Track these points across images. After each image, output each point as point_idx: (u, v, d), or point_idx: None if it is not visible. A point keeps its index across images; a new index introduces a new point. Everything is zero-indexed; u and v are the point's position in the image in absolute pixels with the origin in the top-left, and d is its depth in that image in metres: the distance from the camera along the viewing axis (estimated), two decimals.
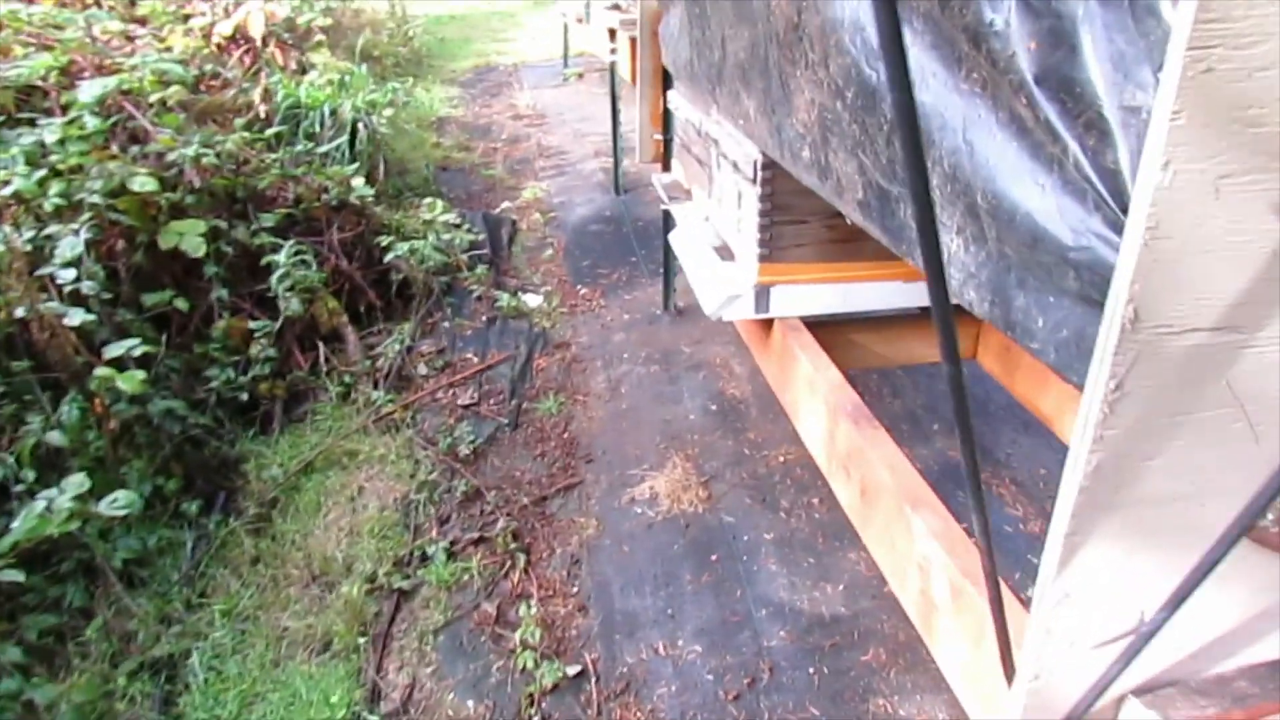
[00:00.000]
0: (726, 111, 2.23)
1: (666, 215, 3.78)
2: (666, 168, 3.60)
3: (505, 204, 5.43)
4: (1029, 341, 1.09)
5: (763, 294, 2.28)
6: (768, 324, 2.34)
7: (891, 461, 1.69)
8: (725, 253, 2.51)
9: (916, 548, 1.55)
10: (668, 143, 3.59)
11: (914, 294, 2.36)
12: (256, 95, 4.37)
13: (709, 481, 2.92)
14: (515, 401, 3.46)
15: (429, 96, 7.69)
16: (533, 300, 4.25)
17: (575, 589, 2.55)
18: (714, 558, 2.61)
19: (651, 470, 3.01)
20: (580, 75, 8.47)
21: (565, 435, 3.27)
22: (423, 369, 3.63)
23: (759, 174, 2.12)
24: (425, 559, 2.66)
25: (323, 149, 4.46)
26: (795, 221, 2.20)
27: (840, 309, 2.35)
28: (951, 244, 1.22)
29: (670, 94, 3.24)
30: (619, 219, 5.25)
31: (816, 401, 2.02)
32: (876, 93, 1.31)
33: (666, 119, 3.54)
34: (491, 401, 3.47)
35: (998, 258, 1.12)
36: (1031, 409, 2.31)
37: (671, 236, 2.84)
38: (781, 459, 2.98)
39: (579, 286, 4.44)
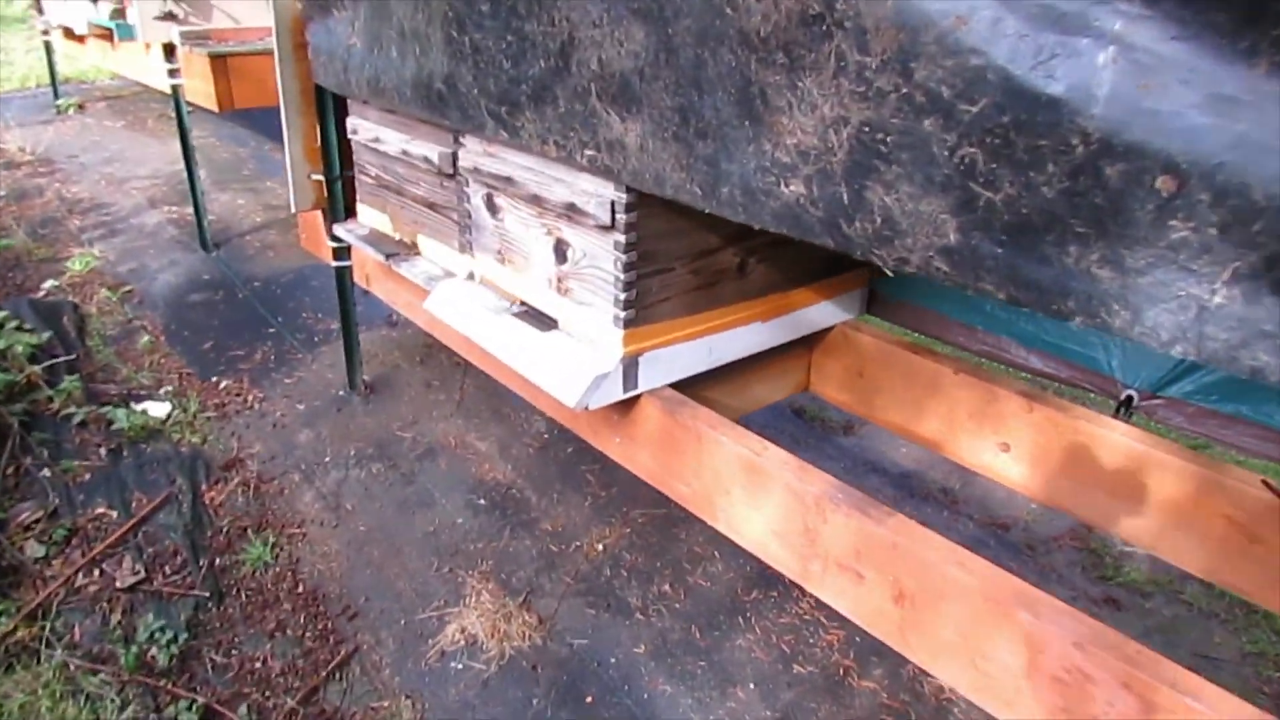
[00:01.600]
0: (535, 138, 1.70)
1: (342, 275, 3.02)
2: (331, 214, 2.84)
3: (49, 283, 3.99)
4: None
5: (630, 367, 1.81)
6: (623, 403, 1.87)
7: (956, 556, 1.37)
8: (537, 320, 1.97)
9: (1054, 658, 1.25)
10: (330, 183, 2.83)
11: (768, 333, 2.07)
12: None
13: (529, 600, 2.35)
14: (204, 562, 2.47)
15: None
16: (158, 409, 3.13)
17: None
18: (588, 699, 2.08)
19: (449, 606, 2.33)
20: (81, 106, 6.70)
21: (301, 590, 2.41)
22: (36, 548, 2.42)
23: (619, 218, 1.65)
24: None
25: None
26: (661, 270, 1.77)
27: (704, 366, 1.97)
28: (1214, 297, 0.92)
29: (355, 121, 2.52)
30: (225, 283, 4.17)
31: (767, 490, 1.62)
32: (1044, 104, 0.96)
33: (327, 154, 2.78)
34: (167, 570, 2.43)
35: None
36: (904, 434, 2.18)
37: (432, 305, 2.18)
38: (600, 546, 2.51)
39: (213, 378, 3.39)
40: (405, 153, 2.28)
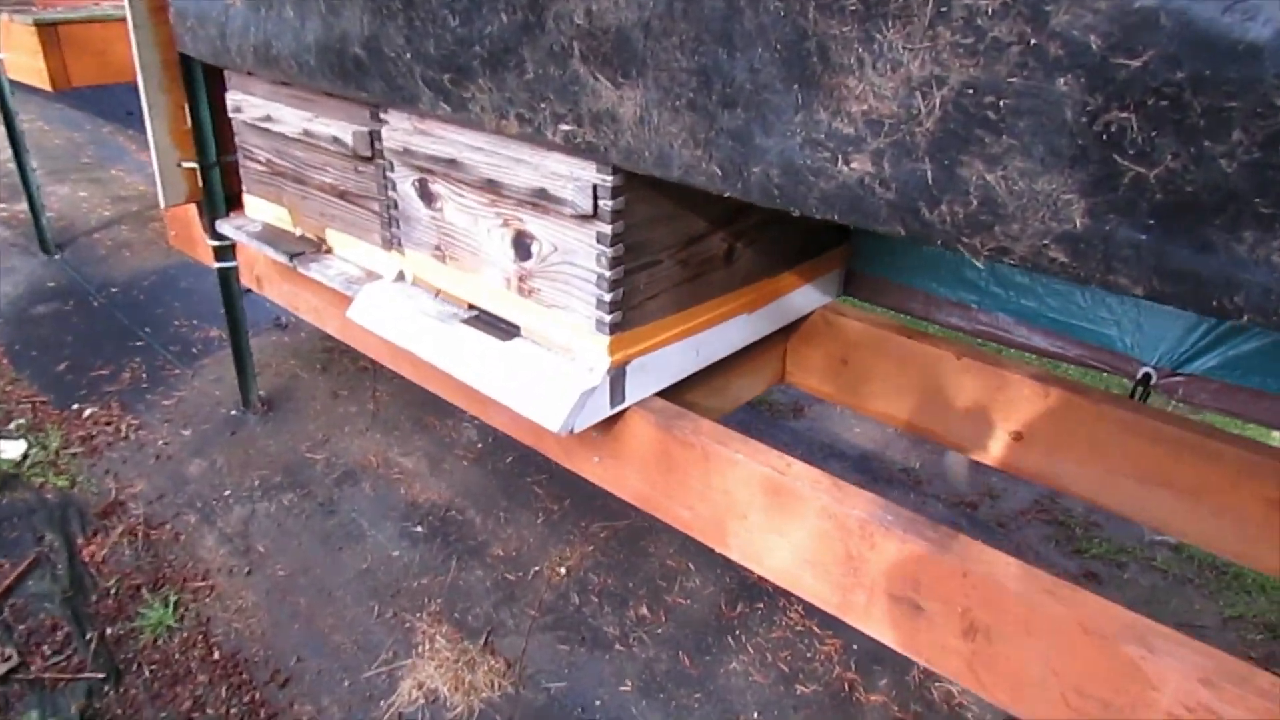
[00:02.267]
0: (490, 112, 1.43)
1: (227, 277, 2.62)
2: (209, 208, 2.44)
3: None
4: None
5: (618, 378, 1.56)
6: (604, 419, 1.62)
7: (1043, 584, 1.21)
8: (494, 327, 1.69)
9: (1173, 695, 1.11)
10: (206, 171, 2.43)
11: (754, 325, 1.87)
12: None
13: (492, 641, 2.08)
14: (91, 635, 2.08)
15: None
16: (11, 449, 2.65)
17: None
18: None
19: (399, 658, 2.04)
20: None
21: (217, 656, 2.05)
22: None
23: (604, 206, 1.39)
24: None
25: None
26: (649, 264, 1.53)
27: (693, 369, 1.75)
28: None
29: (237, 97, 2.14)
30: (75, 290, 3.63)
31: (796, 514, 1.42)
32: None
33: (200, 138, 2.38)
34: (47, 651, 2.03)
35: None
36: (899, 425, 2.01)
37: (359, 315, 1.86)
38: (563, 569, 2.26)
39: (74, 406, 2.92)
40: (307, 133, 1.93)
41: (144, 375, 3.09)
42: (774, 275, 1.87)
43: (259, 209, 2.31)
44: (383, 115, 1.73)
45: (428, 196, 1.71)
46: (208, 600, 2.19)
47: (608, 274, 1.44)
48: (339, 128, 1.84)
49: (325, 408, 2.92)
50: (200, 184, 2.45)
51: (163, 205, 2.47)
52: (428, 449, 2.73)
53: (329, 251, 2.11)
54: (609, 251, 1.42)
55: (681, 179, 1.25)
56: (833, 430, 3.11)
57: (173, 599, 2.18)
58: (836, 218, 1.11)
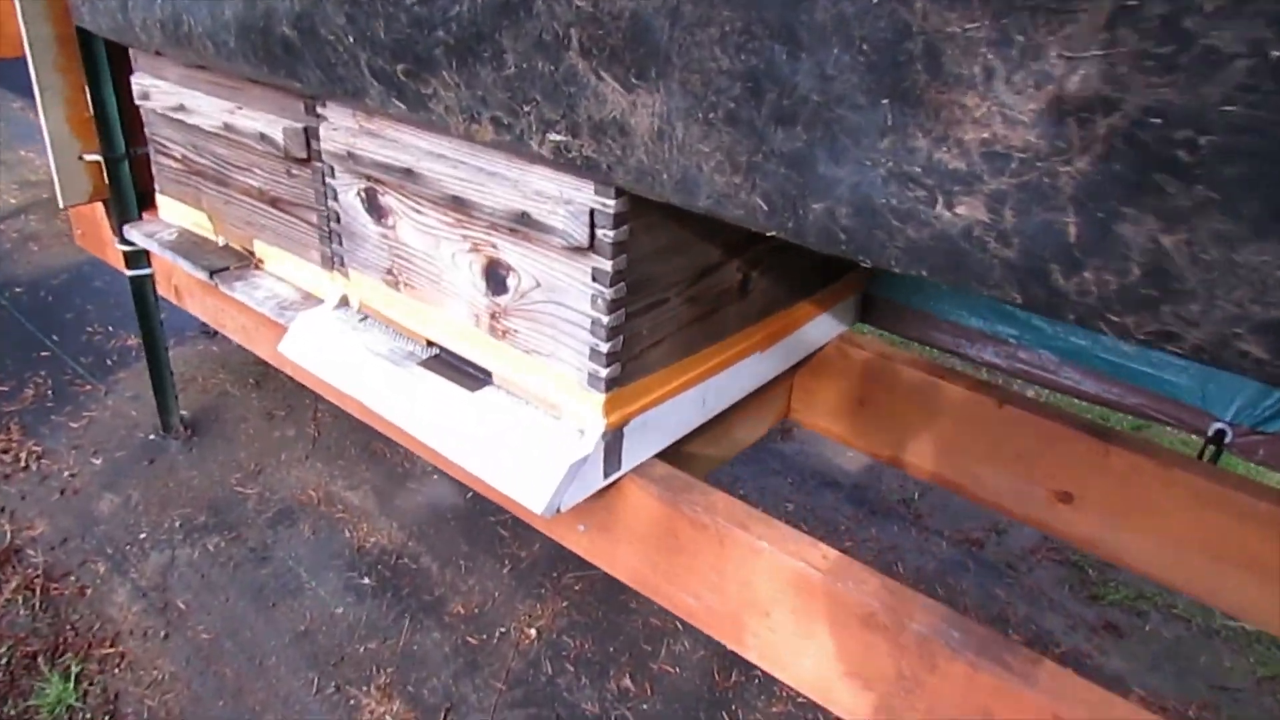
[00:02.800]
0: (456, 113, 1.14)
1: (141, 286, 2.29)
2: (118, 208, 2.10)
3: None
4: None
5: (614, 442, 1.28)
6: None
7: None
8: (458, 372, 1.41)
9: None
10: (113, 166, 2.09)
11: (767, 364, 1.61)
12: None
13: (449, 718, 1.80)
14: None
15: None
16: None
17: None
18: None
19: None
20: None
21: None
22: None
23: (603, 237, 1.12)
24: None
25: None
26: (654, 304, 1.25)
27: (698, 422, 1.48)
28: None
29: (145, 81, 1.80)
30: None
31: (835, 620, 1.17)
32: None
33: (105, 127, 2.04)
34: None
35: None
36: (922, 476, 1.77)
37: (293, 350, 1.55)
38: (533, 631, 1.99)
39: None
40: (229, 127, 1.61)
41: (50, 392, 2.72)
42: (790, 306, 1.61)
43: (175, 212, 1.98)
44: (320, 110, 1.43)
45: (377, 210, 1.41)
46: (117, 671, 1.88)
47: (605, 320, 1.16)
48: (267, 122, 1.53)
49: (259, 431, 2.59)
50: (106, 180, 2.10)
51: (61, 204, 2.12)
52: (376, 482, 2.42)
53: (258, 266, 1.79)
54: (607, 293, 1.14)
55: (710, 210, 0.97)
56: (824, 455, 2.87)
57: (75, 670, 1.86)
58: (925, 273, 0.85)
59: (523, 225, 1.17)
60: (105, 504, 2.31)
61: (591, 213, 1.10)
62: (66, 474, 2.41)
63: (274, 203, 1.67)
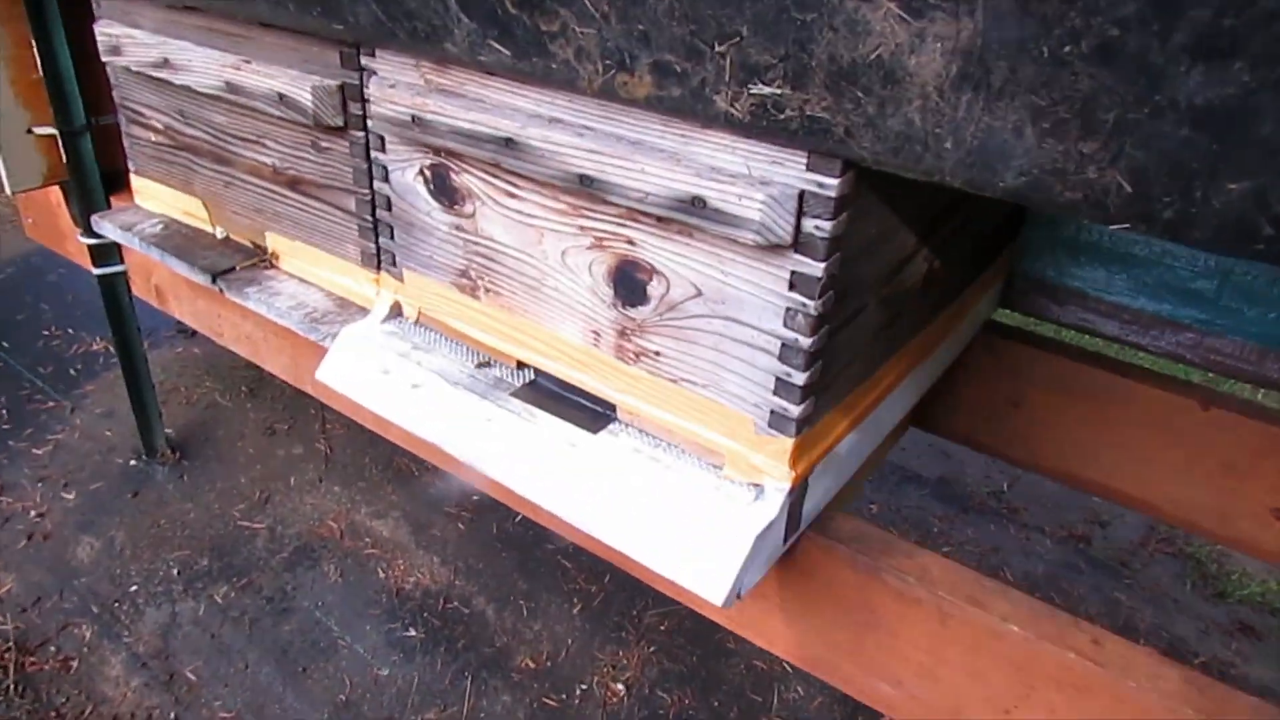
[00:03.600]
0: (603, 61, 0.83)
1: (113, 286, 1.93)
2: (81, 193, 1.74)
3: None
4: None
5: (798, 500, 0.99)
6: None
7: None
8: (567, 406, 1.10)
9: None
10: (72, 141, 1.73)
11: (933, 370, 1.32)
12: None
13: None
14: None
15: None
16: None
17: None
18: None
19: None
20: None
21: None
22: None
23: (812, 229, 0.81)
24: None
25: None
26: (855, 313, 0.96)
27: (870, 450, 1.19)
28: None
29: (113, 31, 1.44)
30: None
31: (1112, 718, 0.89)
32: None
33: (60, 91, 1.67)
34: None
35: None
36: (1097, 491, 1.50)
37: (336, 378, 1.23)
38: (620, 685, 1.70)
39: None
40: (232, 87, 1.27)
41: (3, 412, 2.36)
42: (959, 297, 1.31)
43: (156, 197, 1.63)
44: (366, 60, 1.10)
45: (448, 195, 1.09)
46: None
47: (804, 342, 0.86)
48: (288, 80, 1.19)
49: (260, 451, 2.25)
50: (63, 159, 1.74)
51: (8, 189, 1.75)
52: (406, 506, 2.11)
53: (273, 265, 1.45)
54: (812, 305, 0.84)
55: (1017, 193, 0.68)
56: (895, 448, 2.60)
57: None
58: None
59: (682, 215, 0.86)
60: (84, 549, 1.98)
61: (801, 197, 0.79)
62: (33, 514, 2.06)
63: (294, 185, 1.33)
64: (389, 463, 2.24)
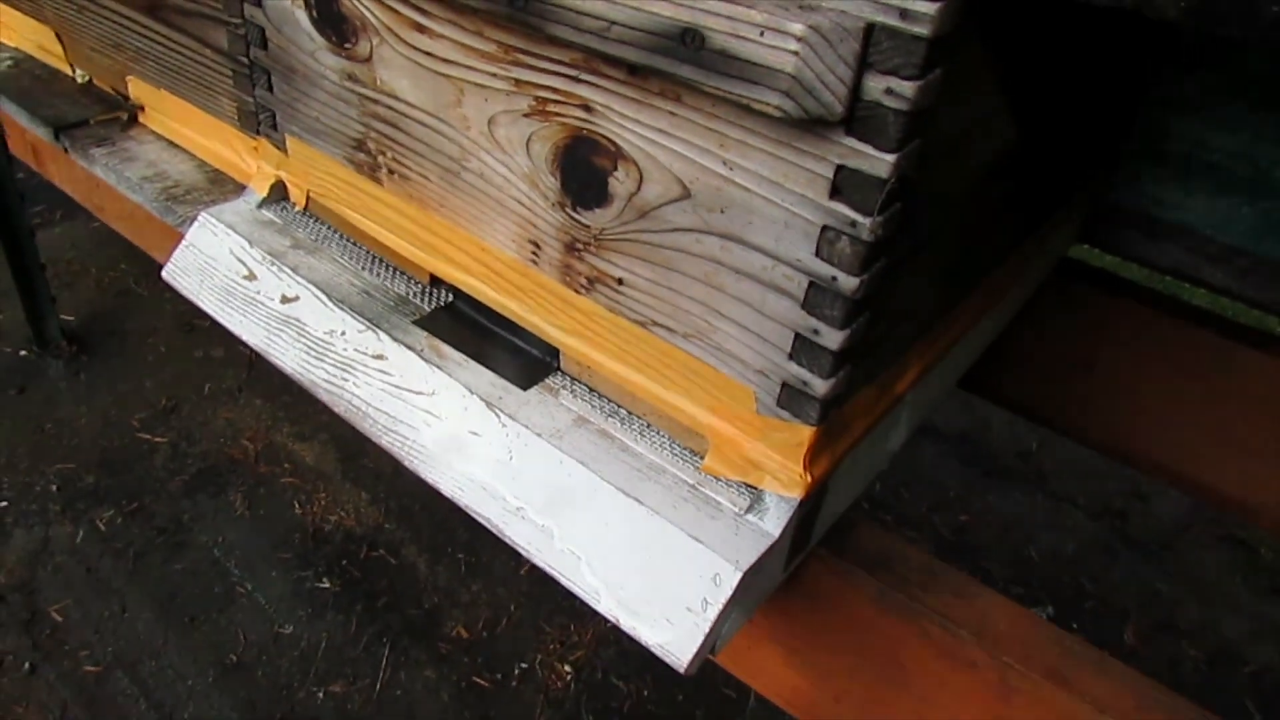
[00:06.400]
0: None
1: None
2: None
3: None
4: None
5: (808, 515, 0.68)
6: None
7: None
8: (489, 341, 0.78)
9: None
10: None
11: (992, 327, 1.00)
12: None
13: None
14: None
15: None
16: None
17: None
18: None
19: None
20: None
21: None
22: None
23: (883, 94, 0.47)
24: None
25: None
26: (925, 242, 0.62)
27: (906, 435, 0.88)
28: None
29: None
30: None
31: None
32: None
33: None
34: None
35: None
36: (1186, 487, 1.19)
37: (184, 281, 0.91)
38: (566, 668, 1.44)
39: None
40: None
41: None
42: (1032, 233, 0.99)
43: (7, 24, 1.27)
44: None
45: (336, 26, 0.76)
46: None
47: (847, 283, 0.54)
48: None
49: (172, 350, 1.95)
50: None
51: None
52: (337, 429, 1.82)
53: (137, 119, 1.11)
54: (865, 225, 0.52)
55: None
56: None
57: None
58: None
59: (666, 61, 0.53)
60: None
61: (868, 35, 0.47)
62: None
63: (153, 11, 0.99)
64: None
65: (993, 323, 1.03)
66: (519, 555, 1.56)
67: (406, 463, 0.75)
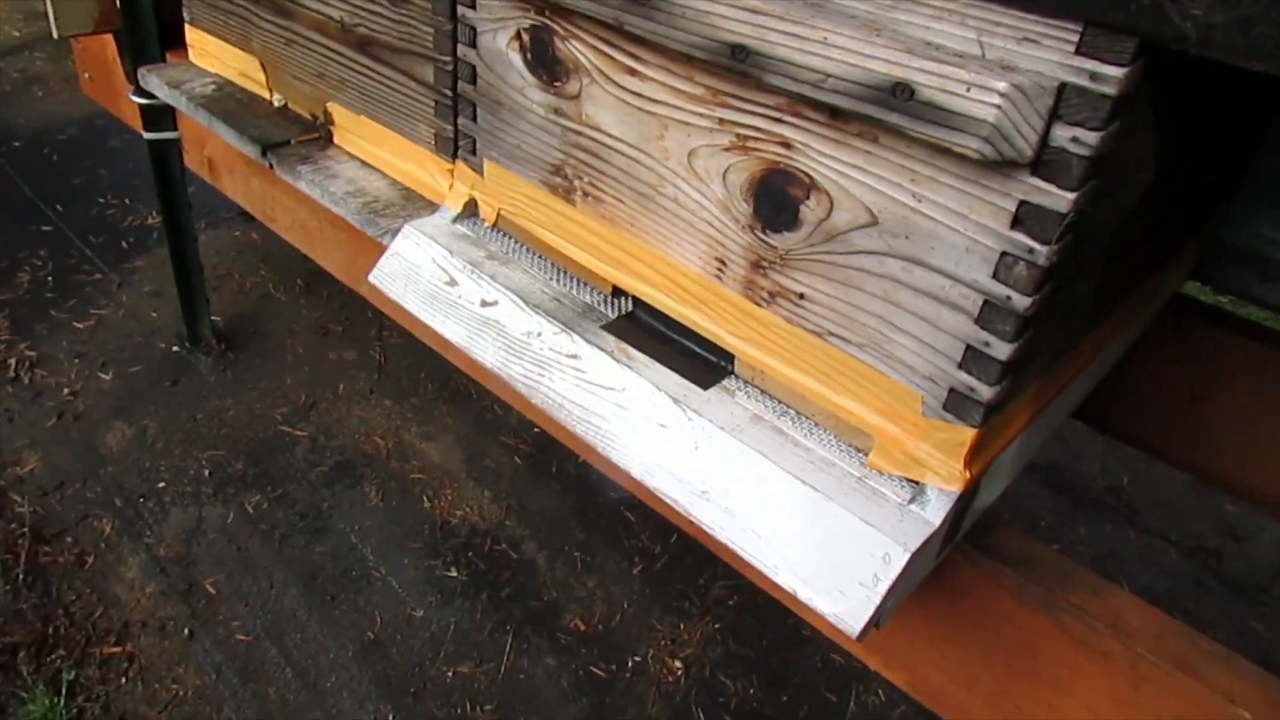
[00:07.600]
0: None
1: (163, 154, 1.77)
2: (133, 45, 1.56)
3: None
4: None
5: (962, 508, 0.76)
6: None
7: None
8: (670, 349, 0.88)
9: None
10: None
11: (1118, 350, 1.07)
12: None
13: None
14: None
15: None
16: None
17: None
18: None
19: None
20: None
21: None
22: None
23: (1068, 141, 0.56)
24: None
25: None
26: (1085, 266, 0.71)
27: (1041, 441, 0.96)
28: None
29: None
30: None
31: None
32: None
33: None
34: None
35: None
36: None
37: (388, 282, 1.03)
38: (677, 663, 1.53)
39: None
40: None
41: (50, 279, 2.25)
42: (1160, 266, 1.06)
43: (212, 54, 1.43)
44: None
45: (549, 67, 0.87)
46: (123, 682, 1.45)
47: (1020, 303, 0.63)
48: None
49: (310, 351, 2.10)
50: (117, 2, 1.56)
51: (55, 33, 1.58)
52: (461, 431, 1.94)
53: (333, 142, 1.25)
54: (1043, 253, 0.60)
55: None
56: None
57: (68, 677, 1.44)
58: None
59: (874, 108, 0.63)
60: (114, 436, 1.86)
61: (1060, 93, 0.55)
62: (66, 391, 1.95)
63: (363, 46, 1.12)
64: (446, 381, 2.07)
65: (1113, 353, 1.09)
66: (632, 556, 1.67)
67: (599, 448, 0.85)
